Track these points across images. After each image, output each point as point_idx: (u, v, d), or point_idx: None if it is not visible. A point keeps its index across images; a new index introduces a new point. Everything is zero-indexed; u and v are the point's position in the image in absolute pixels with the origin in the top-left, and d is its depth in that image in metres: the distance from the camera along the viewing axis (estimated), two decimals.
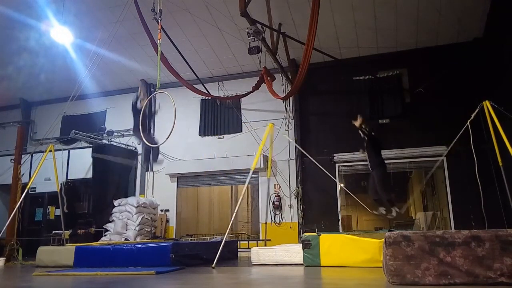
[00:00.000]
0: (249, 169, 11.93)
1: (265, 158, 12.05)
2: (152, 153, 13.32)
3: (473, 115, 7.75)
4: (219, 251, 6.99)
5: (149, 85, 14.02)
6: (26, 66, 12.36)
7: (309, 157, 9.86)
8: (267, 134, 8.91)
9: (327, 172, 9.67)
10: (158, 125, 13.74)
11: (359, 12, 10.42)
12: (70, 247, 8.11)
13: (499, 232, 3.95)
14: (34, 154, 13.44)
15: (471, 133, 7.78)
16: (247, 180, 8.50)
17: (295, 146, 11.90)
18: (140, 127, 8.04)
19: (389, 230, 6.48)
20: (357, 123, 8.15)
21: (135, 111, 9.71)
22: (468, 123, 7.77)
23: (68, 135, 12.64)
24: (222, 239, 7.65)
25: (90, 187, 13.04)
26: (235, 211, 8.35)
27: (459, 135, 8.03)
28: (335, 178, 11.45)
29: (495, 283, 3.80)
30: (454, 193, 10.51)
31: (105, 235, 11.51)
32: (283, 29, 10.86)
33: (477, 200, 9.81)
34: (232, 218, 8.34)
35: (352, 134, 11.45)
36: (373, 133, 8.37)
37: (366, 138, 8.27)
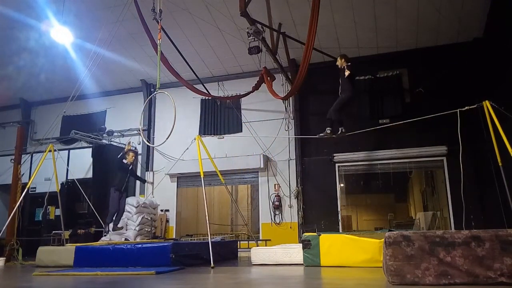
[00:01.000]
0: (249, 169, 12.05)
1: (265, 158, 12.07)
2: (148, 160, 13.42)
3: (466, 107, 7.67)
4: (210, 249, 6.96)
5: (149, 85, 14.03)
6: (26, 66, 12.37)
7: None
8: (198, 147, 8.75)
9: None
10: (158, 125, 13.75)
11: (359, 12, 10.43)
12: (70, 247, 8.10)
13: (499, 232, 3.95)
14: (34, 154, 13.45)
15: (467, 131, 7.76)
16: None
17: (295, 146, 11.92)
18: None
19: (389, 230, 6.48)
20: (339, 62, 8.57)
21: (121, 166, 9.77)
22: (457, 111, 7.70)
23: (68, 135, 12.65)
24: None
25: (90, 187, 13.04)
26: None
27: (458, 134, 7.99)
28: (335, 178, 11.47)
29: (495, 283, 3.80)
30: (454, 193, 10.51)
31: (105, 235, 11.50)
32: (283, 29, 10.87)
33: (477, 200, 9.85)
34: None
35: (352, 134, 11.51)
36: (352, 71, 8.52)
37: (346, 70, 8.42)
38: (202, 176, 7.98)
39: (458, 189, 10.34)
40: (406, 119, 11.14)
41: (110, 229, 9.81)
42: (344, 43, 11.43)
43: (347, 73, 8.38)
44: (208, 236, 7.42)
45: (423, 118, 10.23)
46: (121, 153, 10.01)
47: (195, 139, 8.66)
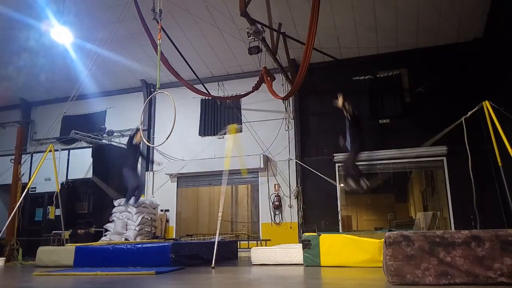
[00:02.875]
0: (249, 169, 12.02)
1: (265, 158, 12.06)
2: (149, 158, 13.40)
3: (469, 113, 7.73)
4: (215, 250, 6.97)
5: (149, 85, 14.03)
6: (26, 66, 12.36)
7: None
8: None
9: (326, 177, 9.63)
10: (158, 125, 13.75)
11: (359, 12, 10.42)
12: (70, 247, 8.11)
13: (499, 232, 3.95)
14: (34, 154, 13.43)
15: (466, 132, 7.79)
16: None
17: (295, 146, 11.91)
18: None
19: (389, 230, 6.48)
20: (339, 102, 8.22)
21: (132, 146, 9.72)
22: (462, 119, 7.78)
23: (68, 135, 12.64)
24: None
25: (90, 187, 13.04)
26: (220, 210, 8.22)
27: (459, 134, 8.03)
28: (335, 178, 11.46)
29: (495, 283, 3.80)
30: (454, 193, 10.51)
31: (105, 235, 11.50)
32: (283, 29, 10.86)
33: (477, 200, 9.84)
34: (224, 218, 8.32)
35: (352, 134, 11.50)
36: (356, 113, 8.40)
37: (349, 117, 8.29)
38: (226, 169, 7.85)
39: (458, 189, 10.41)
40: (406, 119, 11.22)
41: (131, 203, 9.72)
42: (344, 43, 11.43)
43: (347, 115, 8.09)
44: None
45: (423, 119, 10.27)
46: (133, 132, 9.94)
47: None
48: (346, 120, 8.43)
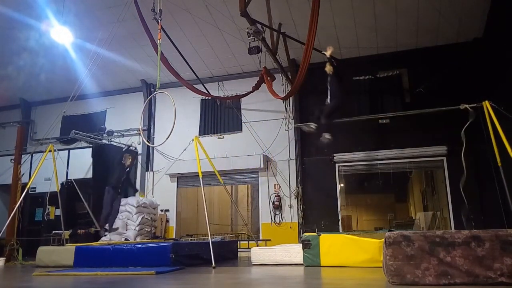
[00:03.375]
0: (249, 169, 12.04)
1: (265, 158, 12.07)
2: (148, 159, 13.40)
3: (469, 106, 7.73)
4: (211, 249, 6.98)
5: (149, 85, 14.03)
6: (26, 66, 12.36)
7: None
8: (196, 147, 8.80)
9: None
10: (158, 125, 13.75)
11: (359, 12, 10.43)
12: (70, 247, 8.10)
13: (499, 232, 3.95)
14: (34, 154, 13.44)
15: (467, 132, 7.80)
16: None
17: (295, 146, 11.92)
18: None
19: (389, 230, 6.48)
20: (328, 52, 8.22)
21: (119, 166, 9.64)
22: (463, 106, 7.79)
23: (68, 135, 12.64)
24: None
25: (90, 187, 13.04)
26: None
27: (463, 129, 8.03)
28: (335, 178, 11.47)
29: (495, 283, 3.80)
30: (454, 193, 10.51)
31: (105, 235, 11.50)
32: (283, 29, 10.86)
33: (477, 200, 9.85)
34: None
35: (352, 134, 11.53)
36: (338, 71, 8.38)
37: (332, 69, 8.28)
38: (200, 176, 7.99)
39: (458, 189, 10.40)
40: (406, 119, 11.21)
41: (107, 231, 9.68)
42: (344, 43, 11.43)
43: (328, 68, 8.17)
44: (208, 236, 7.42)
45: (423, 119, 10.27)
46: (124, 149, 9.95)
47: (193, 140, 8.65)
48: (328, 76, 8.43)
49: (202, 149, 8.75)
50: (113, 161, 10.41)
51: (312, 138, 12.06)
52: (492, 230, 4.01)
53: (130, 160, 9.73)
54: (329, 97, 8.42)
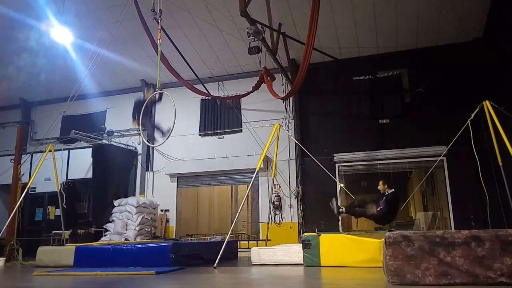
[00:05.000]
0: (249, 169, 12.02)
1: (265, 158, 12.05)
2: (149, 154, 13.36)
3: (473, 115, 7.80)
4: (221, 250, 6.99)
5: (149, 85, 14.00)
6: (26, 66, 12.36)
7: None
8: (273, 134, 8.92)
9: (328, 173, 9.65)
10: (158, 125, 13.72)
11: (359, 12, 10.42)
12: (70, 247, 8.11)
13: (499, 232, 3.95)
14: (34, 154, 13.44)
15: (472, 132, 7.82)
16: (251, 181, 8.58)
17: (295, 145, 11.91)
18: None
19: (389, 230, 6.48)
20: (381, 187, 8.50)
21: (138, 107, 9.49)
22: (468, 122, 7.84)
23: (68, 135, 12.63)
24: (223, 239, 7.65)
25: (90, 187, 13.04)
26: (239, 211, 8.33)
27: (458, 134, 8.05)
28: (335, 178, 11.46)
29: (495, 283, 3.80)
30: (454, 193, 10.51)
31: (105, 235, 11.51)
32: (283, 29, 10.86)
33: (477, 200, 9.85)
34: (236, 218, 8.37)
35: (352, 134, 11.54)
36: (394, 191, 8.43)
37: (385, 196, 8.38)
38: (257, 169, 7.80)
39: (458, 189, 10.42)
40: (406, 119, 11.22)
41: None
42: (344, 43, 11.43)
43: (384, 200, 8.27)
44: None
45: (423, 119, 10.27)
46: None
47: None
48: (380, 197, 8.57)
49: (276, 138, 8.80)
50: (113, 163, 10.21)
51: (312, 138, 12.11)
52: (492, 230, 4.02)
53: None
54: (379, 207, 8.46)
